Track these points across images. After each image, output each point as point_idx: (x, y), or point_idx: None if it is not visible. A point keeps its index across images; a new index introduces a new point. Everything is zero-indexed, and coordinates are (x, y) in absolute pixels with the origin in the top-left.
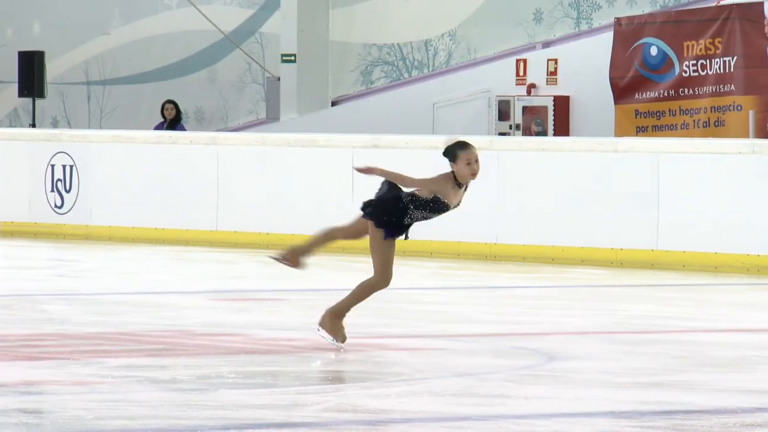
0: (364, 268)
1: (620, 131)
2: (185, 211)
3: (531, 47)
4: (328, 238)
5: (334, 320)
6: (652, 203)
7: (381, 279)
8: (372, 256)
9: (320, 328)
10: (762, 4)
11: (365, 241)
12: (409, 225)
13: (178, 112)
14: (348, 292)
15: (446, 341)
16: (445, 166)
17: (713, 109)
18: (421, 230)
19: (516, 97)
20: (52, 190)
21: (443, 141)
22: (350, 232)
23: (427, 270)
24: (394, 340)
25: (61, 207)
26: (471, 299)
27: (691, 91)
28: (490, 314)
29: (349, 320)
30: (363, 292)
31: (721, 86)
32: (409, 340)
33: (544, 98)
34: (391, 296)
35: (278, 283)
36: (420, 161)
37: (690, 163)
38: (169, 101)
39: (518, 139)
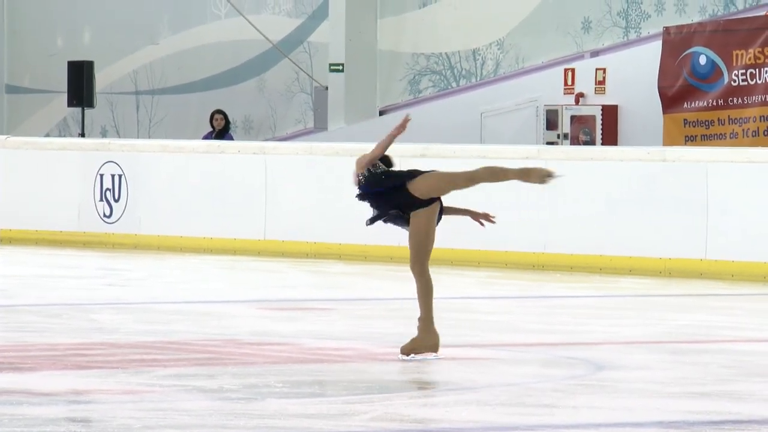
0: (409, 276)
1: (669, 140)
2: (233, 220)
3: (579, 56)
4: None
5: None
6: (700, 213)
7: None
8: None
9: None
10: None
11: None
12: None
13: (227, 121)
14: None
15: (494, 350)
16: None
17: (762, 119)
18: (468, 239)
19: (564, 107)
20: (101, 200)
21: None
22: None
23: (475, 279)
24: (441, 350)
25: (110, 216)
26: (519, 308)
27: (740, 101)
28: (538, 323)
29: (396, 330)
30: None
31: None
32: (456, 350)
33: (592, 107)
34: (439, 305)
35: (326, 293)
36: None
37: (739, 173)
38: (218, 111)
39: (566, 149)
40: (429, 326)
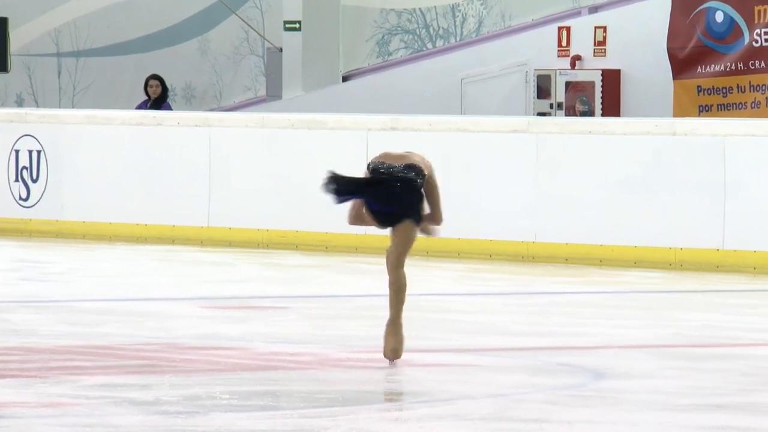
0: (378, 270)
1: (680, 111)
2: (172, 204)
3: (575, 13)
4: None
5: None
6: (717, 195)
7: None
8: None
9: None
10: None
11: (377, 242)
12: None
13: (164, 89)
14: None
15: (475, 356)
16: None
17: None
18: (447, 227)
19: (558, 71)
20: (17, 180)
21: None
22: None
23: (455, 273)
24: (414, 355)
25: (26, 199)
26: (505, 307)
27: (762, 64)
28: (527, 324)
29: (362, 332)
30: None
31: None
32: (432, 355)
33: (590, 72)
34: (412, 303)
35: (280, 289)
36: (445, 145)
37: (761, 148)
38: (154, 76)
39: (560, 120)
40: (398, 329)
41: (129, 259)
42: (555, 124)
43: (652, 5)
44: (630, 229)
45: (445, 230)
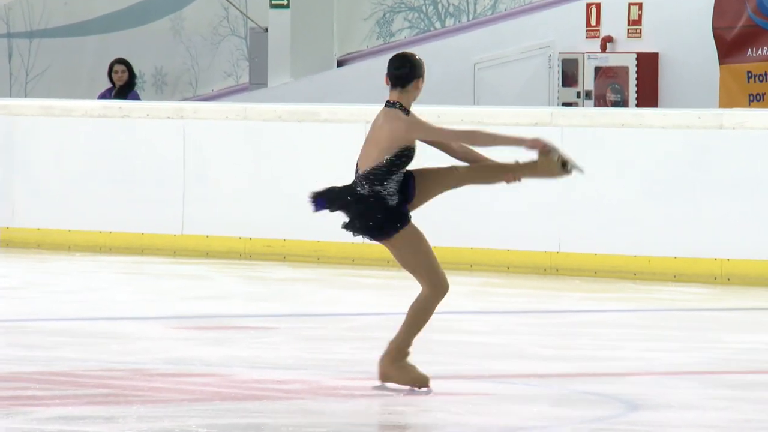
0: (377, 284)
1: (727, 100)
2: (141, 209)
3: None
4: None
5: (397, 366)
6: None
7: (435, 287)
8: (407, 268)
9: (383, 382)
10: None
11: (377, 252)
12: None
13: (131, 75)
14: (400, 323)
15: (491, 383)
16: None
17: None
18: (458, 235)
19: (586, 55)
20: None
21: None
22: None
23: (467, 288)
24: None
25: None
26: (525, 327)
27: None
28: (550, 348)
29: (359, 356)
30: (420, 314)
31: None
32: (440, 382)
33: (623, 56)
34: None
35: (265, 306)
36: None
37: None
38: (119, 61)
39: (589, 111)
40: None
41: (91, 272)
42: (583, 115)
43: None
44: (669, 238)
45: (455, 239)
